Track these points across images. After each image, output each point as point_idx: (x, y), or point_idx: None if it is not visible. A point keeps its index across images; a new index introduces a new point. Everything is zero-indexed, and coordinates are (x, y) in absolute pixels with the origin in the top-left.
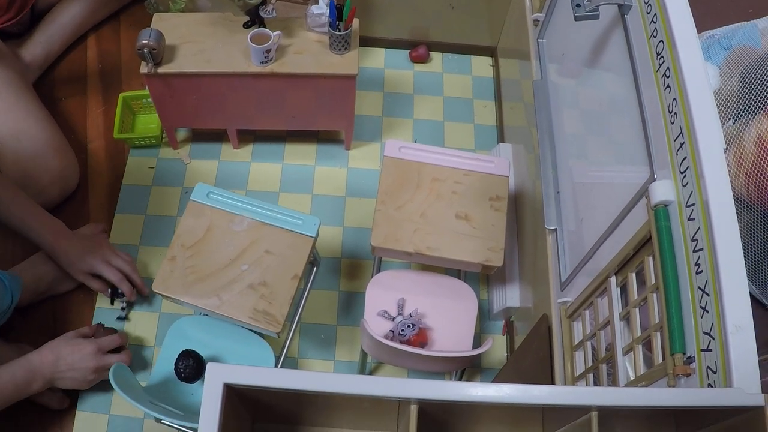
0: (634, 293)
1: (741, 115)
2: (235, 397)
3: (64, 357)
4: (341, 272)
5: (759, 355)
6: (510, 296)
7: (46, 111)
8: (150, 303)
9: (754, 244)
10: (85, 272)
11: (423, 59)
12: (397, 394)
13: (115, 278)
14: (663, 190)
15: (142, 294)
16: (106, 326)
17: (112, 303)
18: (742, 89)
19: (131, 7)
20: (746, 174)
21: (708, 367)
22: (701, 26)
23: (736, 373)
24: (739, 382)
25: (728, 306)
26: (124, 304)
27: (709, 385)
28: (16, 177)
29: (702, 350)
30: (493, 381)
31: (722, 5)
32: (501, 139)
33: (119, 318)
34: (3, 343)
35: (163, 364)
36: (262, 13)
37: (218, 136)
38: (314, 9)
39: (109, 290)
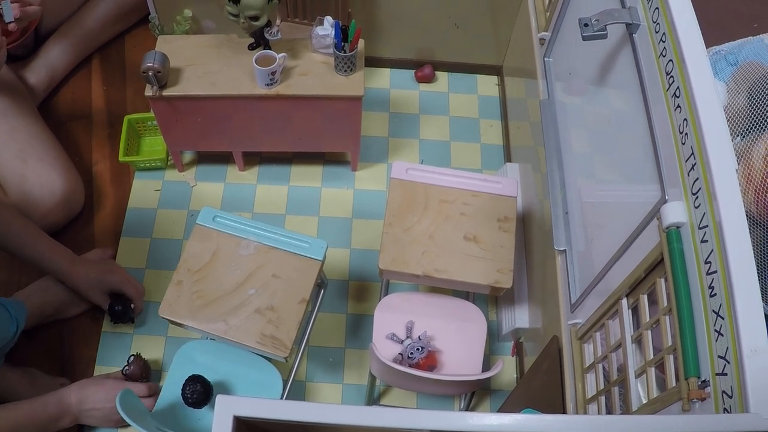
0: (646, 315)
1: (749, 132)
2: (245, 428)
3: (88, 396)
4: (349, 295)
5: None
6: (519, 317)
7: (50, 133)
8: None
9: (766, 262)
10: (104, 293)
11: (428, 79)
12: (409, 425)
13: (136, 293)
14: (675, 212)
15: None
16: (142, 356)
17: (114, 323)
18: (750, 105)
19: (135, 28)
20: (755, 191)
21: (723, 392)
22: (707, 42)
23: (753, 397)
24: (755, 407)
25: (743, 329)
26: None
27: (725, 410)
28: (20, 199)
29: (717, 374)
30: (504, 403)
31: (727, 20)
32: (508, 158)
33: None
34: (10, 367)
35: (169, 389)
36: (267, 35)
37: (224, 159)
38: (319, 30)
39: (116, 308)
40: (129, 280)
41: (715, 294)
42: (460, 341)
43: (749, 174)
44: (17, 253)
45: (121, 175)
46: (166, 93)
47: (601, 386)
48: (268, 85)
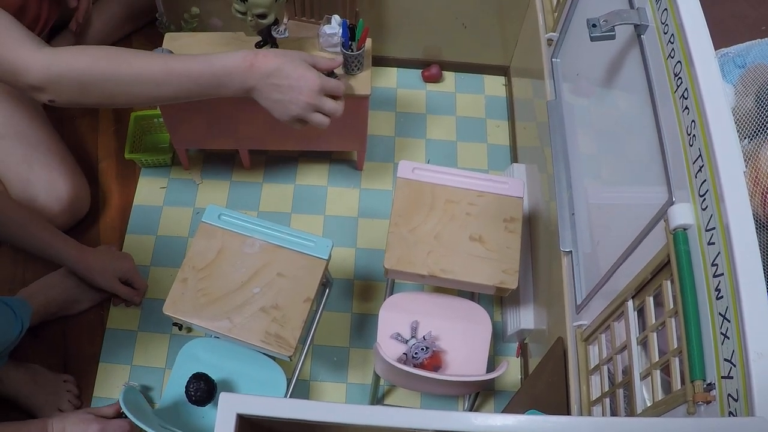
0: (651, 317)
1: (757, 134)
2: (248, 427)
3: (67, 426)
4: (354, 294)
5: None
6: (524, 318)
7: (57, 136)
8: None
9: None
10: (115, 278)
11: (435, 79)
12: (415, 424)
13: (142, 286)
14: (682, 214)
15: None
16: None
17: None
18: (758, 108)
19: (143, 27)
20: (762, 194)
21: (729, 395)
22: (715, 44)
23: (758, 401)
24: (761, 410)
25: (750, 333)
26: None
27: (731, 414)
28: (25, 204)
29: (723, 377)
30: (508, 404)
31: (735, 23)
32: (514, 159)
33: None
34: (13, 364)
35: (173, 386)
36: (274, 33)
37: (230, 157)
38: (327, 29)
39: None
40: (137, 270)
41: (722, 297)
42: (464, 341)
43: (756, 177)
44: (22, 245)
45: (126, 172)
46: None
47: (606, 388)
48: None
